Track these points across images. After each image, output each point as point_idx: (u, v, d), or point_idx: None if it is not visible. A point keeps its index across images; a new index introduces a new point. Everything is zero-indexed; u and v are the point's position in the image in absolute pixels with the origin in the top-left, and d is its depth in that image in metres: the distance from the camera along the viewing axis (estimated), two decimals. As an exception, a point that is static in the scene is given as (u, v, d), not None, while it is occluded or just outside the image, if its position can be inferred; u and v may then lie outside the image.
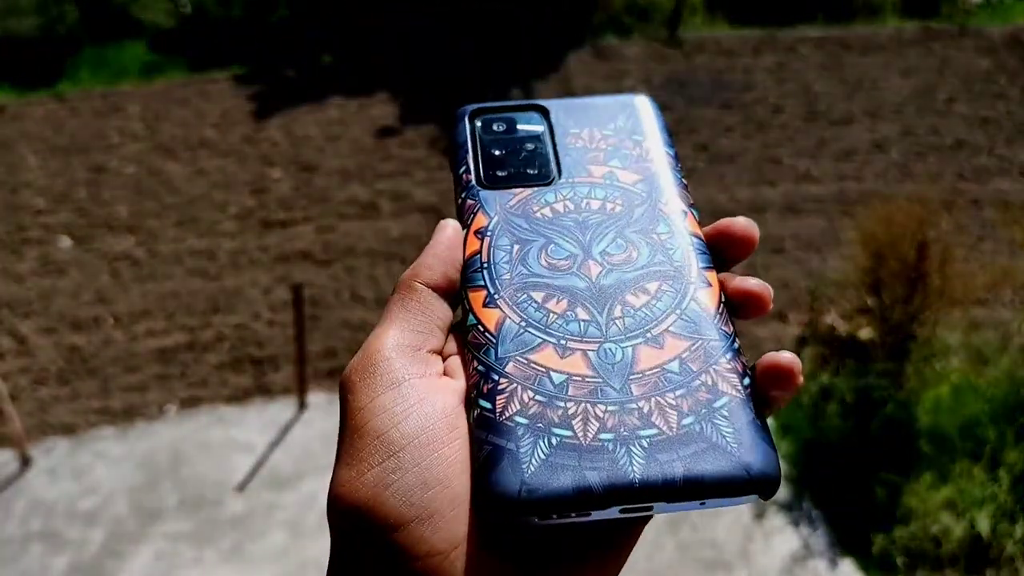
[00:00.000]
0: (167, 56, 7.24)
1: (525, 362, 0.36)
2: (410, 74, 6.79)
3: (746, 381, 0.36)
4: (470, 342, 0.38)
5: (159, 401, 4.04)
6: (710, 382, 0.35)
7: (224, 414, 3.94)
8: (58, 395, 4.11)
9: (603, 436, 0.34)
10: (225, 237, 5.14)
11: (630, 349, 0.36)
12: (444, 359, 0.39)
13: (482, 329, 0.38)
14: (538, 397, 0.35)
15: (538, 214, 0.42)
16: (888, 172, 5.53)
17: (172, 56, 7.23)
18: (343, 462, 0.35)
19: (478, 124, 0.47)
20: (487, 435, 0.34)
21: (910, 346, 3.87)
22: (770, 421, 0.37)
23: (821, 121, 6.10)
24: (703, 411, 0.34)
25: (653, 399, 0.35)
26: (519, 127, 0.47)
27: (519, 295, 0.39)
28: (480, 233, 0.42)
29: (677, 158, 0.46)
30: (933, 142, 5.82)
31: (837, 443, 3.58)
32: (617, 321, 0.37)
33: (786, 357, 0.36)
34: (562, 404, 0.35)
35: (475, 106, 0.48)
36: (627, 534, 0.36)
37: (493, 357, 0.37)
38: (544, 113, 0.47)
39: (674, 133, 0.50)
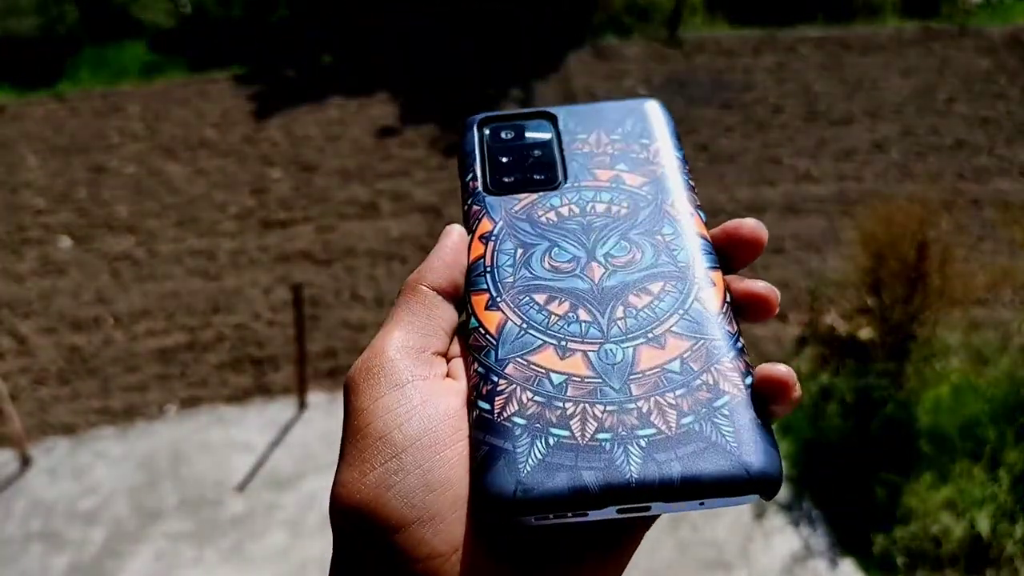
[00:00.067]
0: (167, 56, 7.24)
1: (525, 363, 0.36)
2: (410, 74, 6.79)
3: (748, 380, 0.35)
4: (471, 345, 0.38)
5: (159, 401, 4.04)
6: (711, 381, 0.35)
7: (224, 414, 3.94)
8: (58, 395, 4.11)
9: (601, 436, 0.34)
10: (225, 237, 5.14)
11: (631, 349, 0.36)
12: (448, 361, 0.39)
13: (483, 331, 0.38)
14: (537, 398, 0.35)
15: (543, 218, 0.42)
16: (888, 172, 5.53)
17: (172, 56, 7.23)
18: (346, 462, 0.34)
19: (486, 132, 0.47)
20: (485, 436, 0.34)
21: (910, 346, 3.87)
22: None
23: (821, 121, 6.11)
24: (703, 410, 0.34)
25: (653, 399, 0.35)
26: (527, 134, 0.47)
27: (521, 298, 0.39)
28: (485, 238, 0.42)
29: (686, 161, 0.45)
30: (933, 142, 5.82)
31: (837, 443, 3.58)
32: (619, 322, 0.37)
33: (781, 370, 0.35)
34: (561, 405, 0.35)
35: (484, 115, 0.48)
36: (629, 535, 0.35)
37: (493, 359, 0.37)
38: (552, 120, 0.47)
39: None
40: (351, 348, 4.27)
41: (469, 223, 0.43)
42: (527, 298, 0.39)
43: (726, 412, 0.34)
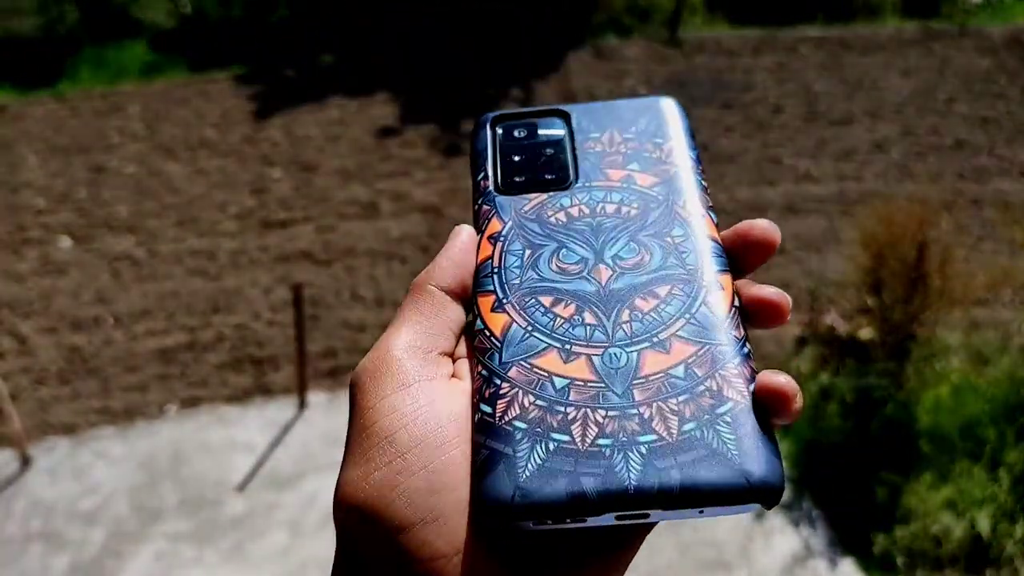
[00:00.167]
0: (167, 56, 7.23)
1: (528, 367, 0.36)
2: (410, 74, 6.79)
3: (752, 387, 0.35)
4: (476, 347, 0.38)
5: (159, 401, 4.04)
6: (715, 387, 0.35)
7: (224, 414, 3.94)
8: (58, 395, 4.11)
9: (601, 442, 0.33)
10: (225, 237, 5.14)
11: (635, 354, 0.36)
12: (455, 362, 0.39)
13: (488, 334, 0.38)
14: (538, 402, 0.35)
15: (552, 219, 0.42)
16: (888, 172, 5.53)
17: (172, 56, 7.22)
18: (350, 462, 0.34)
19: (498, 131, 0.47)
20: (485, 439, 0.34)
21: (910, 346, 3.87)
22: None
23: (821, 121, 6.10)
24: (705, 417, 0.34)
25: (655, 404, 0.34)
26: (539, 132, 0.46)
27: (527, 300, 0.39)
28: (493, 238, 0.41)
29: (700, 161, 0.45)
30: (933, 142, 5.82)
31: (837, 443, 3.58)
32: (624, 326, 0.37)
33: (781, 380, 0.34)
34: (562, 409, 0.34)
35: (496, 113, 0.47)
36: (629, 541, 0.35)
37: (497, 362, 0.37)
38: (565, 118, 0.47)
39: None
40: (351, 348, 4.27)
41: (479, 223, 0.43)
42: (533, 300, 0.38)
43: (729, 419, 0.34)
